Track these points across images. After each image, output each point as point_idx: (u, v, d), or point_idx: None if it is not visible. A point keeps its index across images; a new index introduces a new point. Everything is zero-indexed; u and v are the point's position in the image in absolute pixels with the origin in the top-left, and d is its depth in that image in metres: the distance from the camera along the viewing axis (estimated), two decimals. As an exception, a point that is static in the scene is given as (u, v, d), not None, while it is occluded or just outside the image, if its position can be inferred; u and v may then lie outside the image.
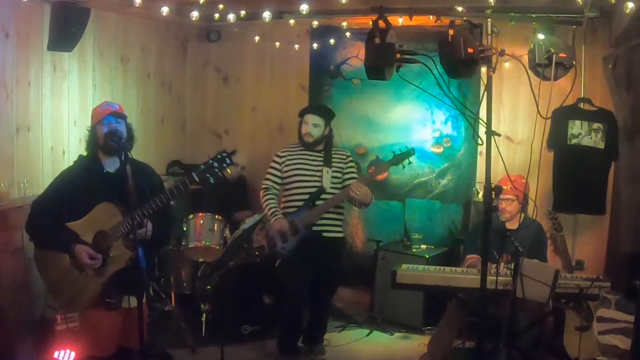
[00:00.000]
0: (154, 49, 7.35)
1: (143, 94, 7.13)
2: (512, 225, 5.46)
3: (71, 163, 4.38)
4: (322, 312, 6.05)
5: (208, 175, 4.00)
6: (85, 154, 4.32)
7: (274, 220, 5.68)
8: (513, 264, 4.75)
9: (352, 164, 5.88)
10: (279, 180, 5.85)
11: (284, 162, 5.80)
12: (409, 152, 5.59)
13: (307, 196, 5.67)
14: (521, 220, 5.47)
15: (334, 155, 5.78)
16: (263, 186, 5.88)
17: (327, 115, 5.82)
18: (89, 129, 4.24)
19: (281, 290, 6.05)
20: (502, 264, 5.08)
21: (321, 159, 5.74)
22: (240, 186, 7.39)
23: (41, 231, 4.11)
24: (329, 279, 5.89)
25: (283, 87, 7.65)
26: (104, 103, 4.30)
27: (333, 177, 5.70)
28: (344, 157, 5.84)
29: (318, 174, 5.69)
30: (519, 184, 5.26)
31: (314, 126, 5.69)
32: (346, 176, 5.78)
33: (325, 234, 5.69)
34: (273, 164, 5.86)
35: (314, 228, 5.65)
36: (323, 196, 5.65)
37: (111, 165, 4.21)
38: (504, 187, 5.21)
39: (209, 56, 8.04)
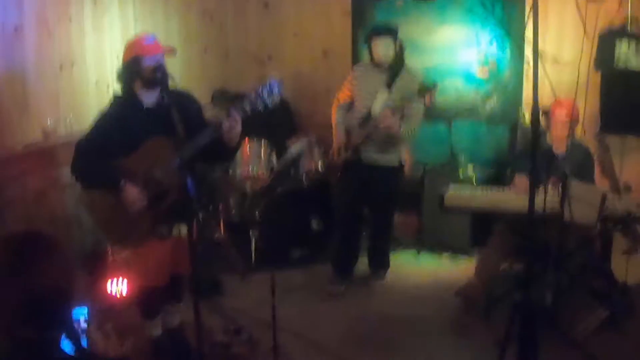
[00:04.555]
0: (194, -22, 7.28)
1: (184, 24, 7.10)
2: (560, 147, 5.38)
3: (116, 96, 4.36)
4: (375, 238, 6.16)
5: (258, 105, 3.99)
6: (119, 91, 4.28)
7: (335, 132, 5.87)
8: (561, 187, 4.70)
9: (416, 87, 5.62)
10: (347, 98, 5.89)
11: (351, 80, 5.84)
12: (432, 86, 5.51)
13: (360, 117, 5.70)
14: (569, 143, 5.40)
15: (400, 78, 5.67)
16: (335, 100, 5.98)
17: (393, 32, 5.73)
18: (128, 59, 4.15)
19: (332, 214, 6.15)
20: (550, 187, 5.03)
21: (385, 80, 5.67)
22: (284, 111, 7.37)
23: (88, 170, 4.09)
24: (376, 206, 5.98)
25: (325, 12, 7.51)
26: (147, 37, 4.22)
27: (389, 102, 5.59)
28: (410, 80, 5.69)
29: (373, 95, 5.65)
30: (573, 108, 5.17)
31: (385, 47, 5.61)
32: (406, 103, 5.60)
33: (365, 159, 5.72)
34: (348, 78, 5.91)
35: (364, 153, 5.70)
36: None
37: (150, 99, 4.17)
38: (561, 114, 5.12)
39: (249, -17, 7.95)
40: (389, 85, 5.65)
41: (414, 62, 7.04)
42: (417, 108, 5.63)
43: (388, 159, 5.77)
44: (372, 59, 5.74)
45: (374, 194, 5.84)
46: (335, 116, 5.91)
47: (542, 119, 5.46)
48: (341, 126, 5.83)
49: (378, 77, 5.70)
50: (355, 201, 5.90)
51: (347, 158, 5.75)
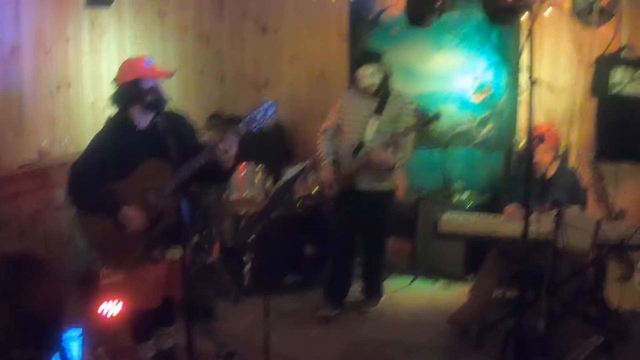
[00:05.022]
0: (191, 1, 7.30)
1: (181, 47, 7.12)
2: (545, 173, 5.41)
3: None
4: (368, 264, 6.12)
5: (253, 127, 3.98)
6: (113, 113, 4.25)
7: (322, 166, 5.76)
8: (555, 213, 4.71)
9: (407, 112, 5.73)
10: (334, 125, 5.86)
11: (339, 108, 5.82)
12: (435, 117, 5.55)
13: (351, 144, 5.67)
14: (556, 168, 5.45)
15: (389, 103, 5.67)
16: (321, 129, 5.92)
17: (377, 58, 5.75)
18: (129, 81, 4.08)
19: (326, 239, 6.16)
20: (541, 213, 5.04)
21: (374, 106, 5.66)
22: (279, 137, 7.40)
23: (84, 194, 4.08)
24: (370, 232, 5.94)
25: (322, 36, 7.56)
26: (145, 59, 4.20)
27: (380, 128, 5.61)
28: (400, 105, 5.70)
29: (364, 123, 5.65)
30: (552, 133, 5.20)
31: (371, 76, 5.61)
32: (399, 124, 5.63)
33: (363, 187, 5.68)
34: (335, 106, 5.89)
35: (357, 180, 5.66)
36: (366, 147, 5.61)
37: (143, 121, 4.15)
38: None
39: (247, 7, 7.95)
40: (379, 111, 5.64)
41: (410, 88, 7.08)
42: (410, 136, 5.66)
43: (381, 185, 5.75)
44: (359, 86, 5.72)
45: (367, 220, 5.82)
46: (322, 147, 5.84)
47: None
48: (329, 158, 5.77)
49: (367, 104, 5.69)
50: (349, 229, 5.87)
51: (340, 189, 5.72)
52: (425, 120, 5.53)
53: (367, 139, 5.62)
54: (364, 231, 5.96)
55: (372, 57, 5.77)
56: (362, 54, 5.93)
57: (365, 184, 5.69)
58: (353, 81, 5.77)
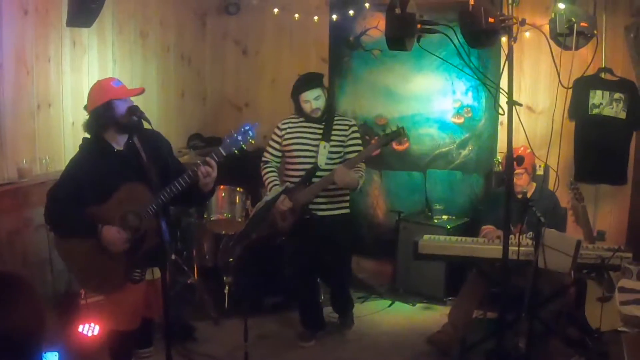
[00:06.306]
0: (172, 22, 7.32)
1: (163, 68, 7.12)
2: (521, 194, 5.46)
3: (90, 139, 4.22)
4: (337, 287, 6.07)
5: (233, 149, 3.98)
6: (88, 136, 4.18)
7: None
8: (533, 234, 4.74)
9: (355, 134, 5.72)
10: (278, 153, 5.78)
11: (283, 135, 5.71)
12: (398, 132, 5.51)
13: (303, 172, 5.59)
14: (534, 190, 5.50)
15: (335, 126, 5.63)
16: (263, 159, 5.81)
17: (320, 80, 5.72)
18: (102, 104, 3.98)
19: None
20: (523, 235, 5.07)
21: (320, 131, 5.61)
22: (259, 158, 7.40)
23: (63, 218, 4.01)
24: (334, 256, 5.79)
25: (303, 59, 7.61)
26: (112, 80, 4.14)
27: (332, 152, 5.57)
28: (346, 127, 5.67)
29: (315, 149, 5.57)
30: (526, 156, 5.26)
31: (316, 100, 5.56)
32: (348, 149, 5.65)
33: (321, 213, 5.59)
34: (273, 136, 5.78)
35: (311, 206, 5.56)
36: (319, 173, 5.55)
37: (119, 142, 4.10)
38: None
39: (228, 29, 8.01)
40: (327, 136, 5.59)
41: (390, 110, 7.16)
42: (360, 153, 5.66)
43: (338, 209, 5.70)
44: (303, 111, 5.64)
45: (329, 244, 5.68)
46: (270, 177, 5.71)
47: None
48: (278, 187, 5.52)
49: (313, 129, 5.64)
50: (310, 257, 5.75)
51: (296, 218, 5.58)
52: (389, 135, 5.53)
53: (322, 163, 5.54)
54: (326, 257, 5.77)
55: (314, 81, 5.72)
56: (303, 78, 5.79)
57: (323, 210, 5.62)
58: (299, 106, 5.64)
